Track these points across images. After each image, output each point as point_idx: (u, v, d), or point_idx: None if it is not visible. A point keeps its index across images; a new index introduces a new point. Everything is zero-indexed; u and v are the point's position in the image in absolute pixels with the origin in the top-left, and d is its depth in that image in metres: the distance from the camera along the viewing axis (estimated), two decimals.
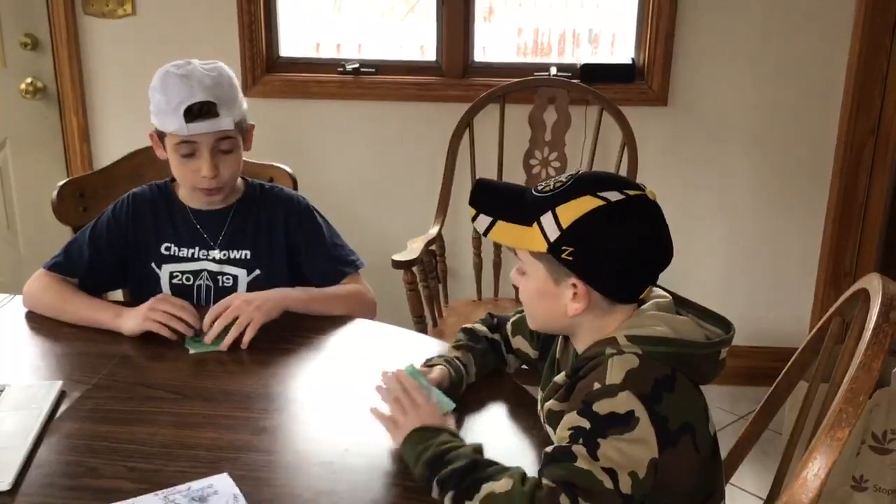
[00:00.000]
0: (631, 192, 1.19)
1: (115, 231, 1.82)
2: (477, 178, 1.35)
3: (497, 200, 1.28)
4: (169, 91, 1.68)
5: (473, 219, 1.27)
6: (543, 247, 1.20)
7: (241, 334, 1.59)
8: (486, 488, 1.10)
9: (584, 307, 1.21)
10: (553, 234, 1.18)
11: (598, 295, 1.21)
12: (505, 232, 1.25)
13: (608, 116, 2.65)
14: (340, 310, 1.74)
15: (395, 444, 1.26)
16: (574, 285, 1.20)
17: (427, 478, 1.16)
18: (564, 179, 1.23)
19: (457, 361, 1.46)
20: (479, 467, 1.14)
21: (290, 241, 1.84)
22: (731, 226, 2.98)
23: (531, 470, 1.15)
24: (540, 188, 1.24)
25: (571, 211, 1.18)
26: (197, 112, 1.67)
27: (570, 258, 1.18)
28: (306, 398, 1.47)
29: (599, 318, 1.23)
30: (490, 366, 1.51)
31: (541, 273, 1.23)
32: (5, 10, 2.92)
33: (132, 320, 1.61)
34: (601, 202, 1.18)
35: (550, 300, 1.24)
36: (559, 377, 1.26)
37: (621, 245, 1.20)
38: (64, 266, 1.79)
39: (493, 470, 1.13)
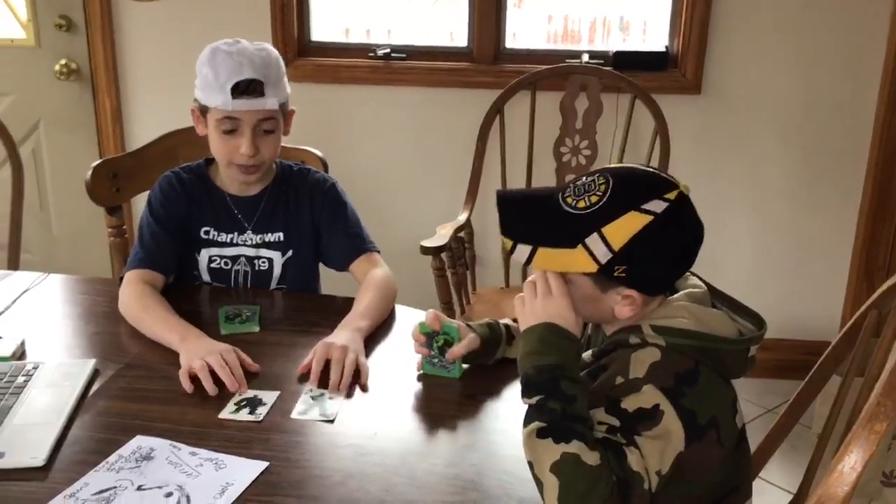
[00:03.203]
0: (670, 196, 1.15)
1: (170, 209, 1.81)
2: (496, 190, 1.28)
3: (529, 222, 1.21)
4: (218, 66, 1.68)
5: (511, 251, 1.21)
6: (593, 268, 1.16)
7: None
8: (577, 447, 1.06)
9: (637, 311, 1.20)
10: (603, 256, 1.15)
11: (643, 299, 1.20)
12: (548, 259, 1.19)
13: (640, 104, 2.63)
14: (390, 307, 1.72)
15: (520, 325, 1.21)
16: (627, 295, 1.18)
17: (530, 382, 1.12)
18: (597, 187, 1.16)
19: (502, 328, 1.46)
20: (581, 421, 1.09)
21: (314, 221, 1.84)
22: (762, 216, 2.95)
23: None
24: (571, 200, 1.18)
25: (621, 232, 1.14)
26: (244, 89, 1.68)
27: (624, 275, 1.16)
28: (336, 380, 1.47)
29: (640, 310, 1.21)
30: None
31: (586, 283, 1.19)
32: None
33: (189, 354, 1.48)
34: (649, 217, 1.13)
35: (596, 304, 1.21)
36: (586, 354, 1.25)
37: (673, 253, 1.19)
38: (146, 260, 1.75)
39: (591, 435, 1.09)
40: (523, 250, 1.20)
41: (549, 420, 1.09)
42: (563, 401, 1.10)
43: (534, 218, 1.21)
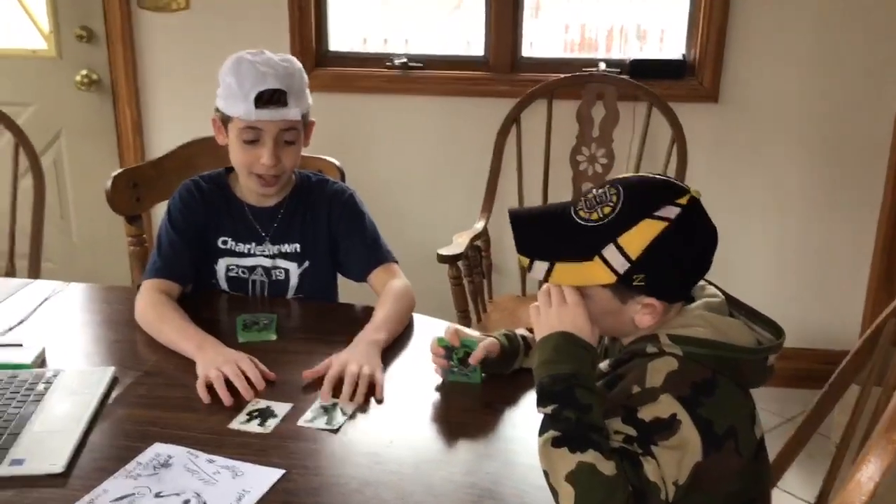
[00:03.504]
0: (682, 201, 1.16)
1: (189, 217, 1.81)
2: (508, 209, 1.28)
3: (545, 238, 1.21)
4: (242, 75, 1.69)
5: (529, 268, 1.21)
6: (611, 279, 1.16)
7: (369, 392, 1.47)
8: (592, 457, 1.06)
9: (658, 319, 1.20)
10: (622, 266, 1.15)
11: (664, 307, 1.20)
12: (566, 273, 1.19)
13: (657, 113, 2.63)
14: (408, 318, 1.72)
15: (536, 335, 1.21)
16: (647, 304, 1.18)
17: (545, 391, 1.12)
18: (609, 198, 1.17)
19: (519, 338, 1.47)
20: (596, 430, 1.09)
21: (332, 232, 1.85)
22: (780, 225, 2.93)
23: None
24: (584, 213, 1.18)
25: (637, 240, 1.14)
26: (267, 99, 1.68)
27: (643, 283, 1.16)
28: (348, 395, 1.47)
29: (660, 318, 1.21)
30: None
31: (605, 295, 1.19)
32: (62, 3, 2.99)
33: (205, 363, 1.48)
34: (664, 223, 1.14)
35: (616, 315, 1.21)
36: (603, 364, 1.25)
37: (690, 258, 1.19)
38: (164, 269, 1.76)
39: (606, 444, 1.09)
40: (540, 267, 1.20)
41: (564, 429, 1.09)
42: (579, 410, 1.10)
43: (548, 234, 1.22)
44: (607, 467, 1.05)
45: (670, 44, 2.96)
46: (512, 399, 1.45)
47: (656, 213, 1.14)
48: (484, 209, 2.70)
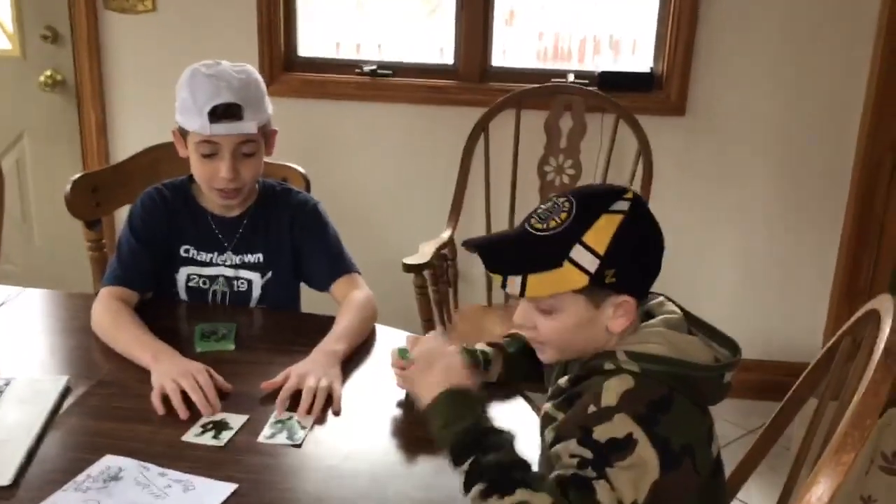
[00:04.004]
0: (628, 195, 1.20)
1: (151, 225, 1.79)
2: (462, 242, 1.30)
3: (511, 254, 1.22)
4: (195, 89, 1.68)
5: (503, 285, 1.21)
6: (584, 281, 1.16)
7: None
8: (522, 495, 1.06)
9: (632, 320, 1.20)
10: (591, 265, 1.16)
11: (636, 305, 1.21)
12: (539, 284, 1.18)
13: (624, 125, 2.64)
14: (369, 329, 1.71)
15: (420, 402, 1.21)
16: (621, 303, 1.19)
17: (457, 449, 1.12)
18: (561, 207, 1.18)
19: (479, 354, 1.45)
20: (518, 467, 1.10)
21: (294, 243, 1.83)
22: (745, 237, 2.96)
23: None
24: (541, 226, 1.19)
25: (601, 235, 1.15)
26: (221, 113, 1.67)
27: (614, 279, 1.17)
28: (305, 408, 1.46)
29: (633, 318, 1.22)
30: (521, 375, 1.48)
31: (579, 304, 1.19)
32: (27, 3, 2.95)
33: (161, 374, 1.46)
34: (620, 215, 1.17)
35: (589, 326, 1.21)
36: (563, 380, 1.25)
37: (650, 246, 1.21)
38: (123, 276, 1.74)
39: (532, 476, 1.09)
40: (513, 282, 1.20)
41: (489, 477, 1.09)
42: (496, 451, 1.11)
43: (512, 251, 1.23)
44: (540, 500, 1.05)
45: (642, 54, 2.98)
46: None
47: (611, 208, 1.17)
48: (451, 218, 2.69)
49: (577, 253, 1.16)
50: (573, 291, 1.18)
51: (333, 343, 1.59)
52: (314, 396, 1.42)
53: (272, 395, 1.44)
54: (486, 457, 1.10)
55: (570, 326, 1.21)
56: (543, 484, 1.08)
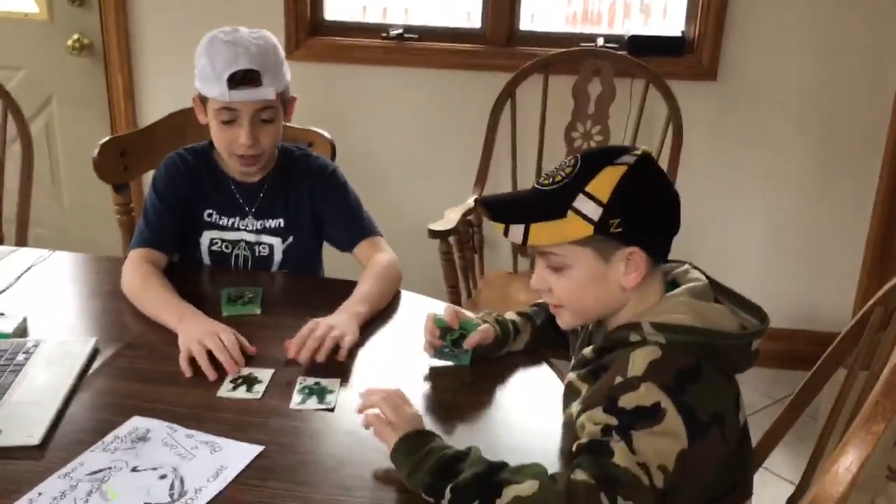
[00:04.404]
0: (637, 152, 1.19)
1: (174, 189, 1.80)
2: (474, 199, 1.32)
3: (516, 207, 1.25)
4: (214, 56, 1.67)
5: (505, 233, 1.22)
6: (589, 230, 1.16)
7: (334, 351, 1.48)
8: (511, 492, 1.05)
9: (642, 274, 1.19)
10: (595, 213, 1.16)
11: (646, 260, 1.19)
12: (542, 232, 1.20)
13: (654, 90, 2.60)
14: (392, 293, 1.71)
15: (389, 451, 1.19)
16: (630, 255, 1.18)
17: (432, 486, 1.10)
18: (567, 164, 1.21)
19: (510, 325, 1.47)
20: (496, 470, 1.09)
21: (315, 208, 1.83)
22: (776, 205, 2.91)
23: (546, 459, 1.13)
24: (548, 182, 1.21)
25: (604, 184, 1.16)
26: (240, 79, 1.66)
27: (620, 229, 1.16)
28: (336, 367, 1.47)
29: (642, 285, 1.21)
30: (547, 343, 1.49)
31: (588, 258, 1.20)
32: None
33: (186, 336, 1.47)
34: (624, 167, 1.17)
35: (602, 283, 1.21)
36: (587, 350, 1.25)
37: (659, 198, 1.20)
38: (150, 239, 1.75)
39: (512, 471, 1.09)
40: (516, 231, 1.21)
41: (474, 493, 1.07)
42: (469, 466, 1.09)
43: (517, 203, 1.26)
44: (527, 489, 1.05)
45: (673, 18, 2.92)
46: (497, 380, 1.44)
47: (616, 161, 1.18)
48: (477, 184, 2.68)
49: (580, 202, 1.17)
50: (580, 244, 1.18)
51: (356, 305, 1.60)
52: (321, 346, 1.45)
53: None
54: (460, 478, 1.08)
55: (583, 283, 1.21)
56: (525, 472, 1.08)
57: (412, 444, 1.14)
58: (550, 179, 1.21)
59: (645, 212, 1.19)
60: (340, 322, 1.52)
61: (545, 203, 1.19)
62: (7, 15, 3.02)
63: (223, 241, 1.83)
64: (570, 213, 1.17)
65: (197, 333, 1.46)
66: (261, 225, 1.83)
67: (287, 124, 2.02)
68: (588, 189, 1.16)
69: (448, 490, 1.08)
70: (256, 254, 1.84)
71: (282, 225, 1.83)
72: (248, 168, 1.79)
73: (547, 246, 1.22)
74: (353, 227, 1.82)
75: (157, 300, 1.61)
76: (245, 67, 1.66)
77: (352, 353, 1.49)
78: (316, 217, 1.84)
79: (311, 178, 1.84)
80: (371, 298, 1.64)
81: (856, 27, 2.69)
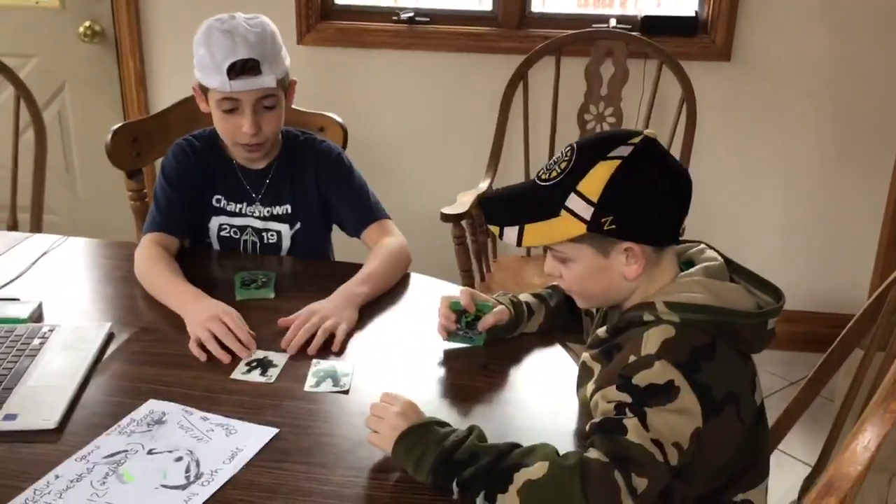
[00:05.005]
0: (634, 140, 1.17)
1: (183, 175, 1.81)
2: (479, 197, 1.31)
3: (511, 207, 1.24)
4: (212, 46, 1.67)
5: (500, 236, 1.23)
6: (581, 229, 1.16)
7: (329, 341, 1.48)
8: (521, 476, 1.04)
9: (643, 265, 1.19)
10: (586, 212, 1.15)
11: (648, 248, 1.19)
12: (536, 233, 1.20)
13: (668, 71, 2.58)
14: (398, 275, 1.72)
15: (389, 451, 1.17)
16: (626, 249, 1.18)
17: (439, 483, 1.09)
18: (564, 157, 1.19)
19: (524, 306, 1.48)
20: (503, 456, 1.08)
21: (321, 193, 1.83)
22: (791, 185, 2.89)
23: (559, 440, 1.13)
24: (544, 176, 1.20)
25: (594, 183, 1.15)
26: (240, 69, 1.66)
27: (613, 226, 1.16)
28: (349, 349, 1.47)
29: (651, 269, 1.20)
30: (561, 325, 1.50)
31: (587, 253, 1.20)
32: None
33: (192, 322, 1.49)
34: (616, 161, 1.15)
35: (604, 274, 1.21)
36: (601, 330, 1.24)
37: (653, 192, 1.17)
38: (161, 223, 1.76)
39: (520, 454, 1.08)
40: (511, 233, 1.22)
41: (483, 483, 1.06)
42: (472, 459, 1.08)
43: (513, 201, 1.25)
44: (538, 471, 1.04)
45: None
46: (512, 362, 1.45)
47: (609, 155, 1.16)
48: (489, 167, 2.67)
49: (573, 201, 1.16)
50: (577, 241, 1.18)
51: (356, 286, 1.61)
52: (314, 337, 1.45)
53: (308, 341, 1.46)
54: (468, 470, 1.07)
55: (586, 275, 1.22)
56: (534, 454, 1.07)
57: (410, 441, 1.12)
58: (548, 174, 1.20)
59: (638, 208, 1.16)
60: (336, 308, 1.52)
61: (539, 202, 1.19)
62: (19, 3, 3.03)
63: (231, 226, 1.84)
64: (563, 211, 1.17)
65: (201, 319, 1.47)
66: (268, 212, 1.83)
67: (300, 109, 2.02)
68: (579, 188, 1.16)
69: (455, 484, 1.08)
70: (265, 241, 1.84)
71: (289, 211, 1.83)
72: (252, 155, 1.79)
73: (544, 245, 1.22)
74: (361, 210, 1.82)
75: (163, 285, 1.63)
76: (244, 57, 1.65)
77: (364, 337, 1.50)
78: (324, 202, 1.84)
79: (317, 162, 1.84)
80: (374, 279, 1.64)
81: (871, 6, 2.66)
